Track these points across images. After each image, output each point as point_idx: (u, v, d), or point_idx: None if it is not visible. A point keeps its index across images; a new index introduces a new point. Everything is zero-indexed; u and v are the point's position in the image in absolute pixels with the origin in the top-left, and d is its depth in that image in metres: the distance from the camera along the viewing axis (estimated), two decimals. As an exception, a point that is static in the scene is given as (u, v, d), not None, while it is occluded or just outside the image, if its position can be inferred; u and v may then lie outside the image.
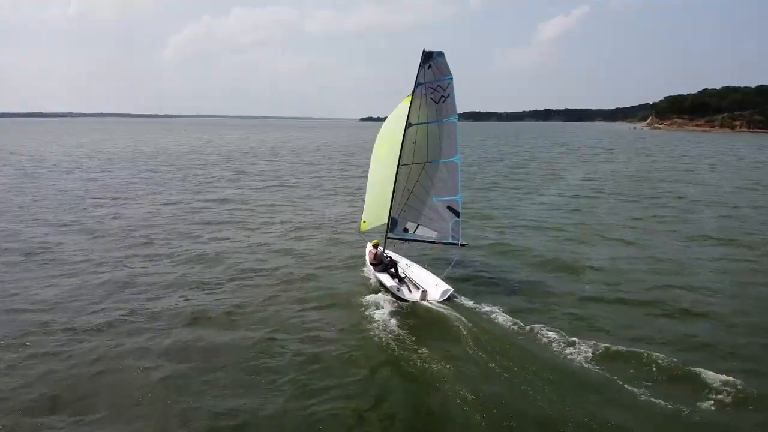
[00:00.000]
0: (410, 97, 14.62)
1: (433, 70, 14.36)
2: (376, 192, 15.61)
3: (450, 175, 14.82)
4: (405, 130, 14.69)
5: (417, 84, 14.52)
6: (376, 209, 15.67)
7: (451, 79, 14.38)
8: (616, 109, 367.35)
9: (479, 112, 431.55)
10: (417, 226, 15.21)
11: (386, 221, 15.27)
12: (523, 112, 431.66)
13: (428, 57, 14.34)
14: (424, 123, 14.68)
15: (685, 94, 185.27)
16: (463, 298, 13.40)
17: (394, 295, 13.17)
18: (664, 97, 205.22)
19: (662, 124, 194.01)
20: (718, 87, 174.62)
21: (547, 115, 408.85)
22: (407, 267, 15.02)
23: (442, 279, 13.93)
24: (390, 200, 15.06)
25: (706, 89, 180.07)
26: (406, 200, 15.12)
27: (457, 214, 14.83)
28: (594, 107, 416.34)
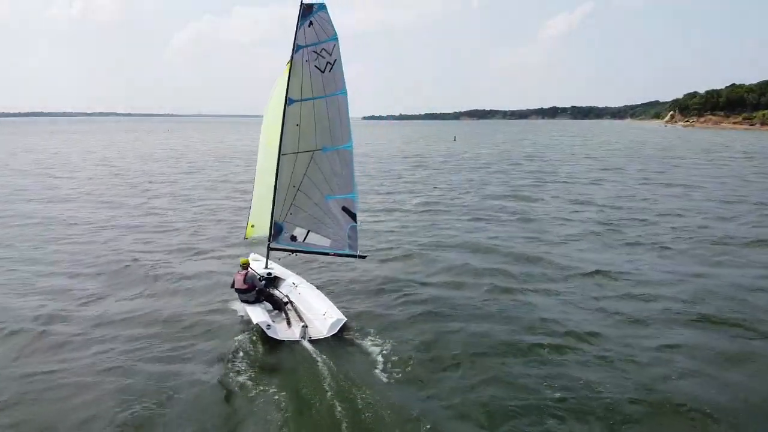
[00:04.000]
0: (289, 65, 12.13)
1: (315, 29, 11.75)
2: (263, 189, 12.99)
3: (344, 167, 12.18)
4: (285, 107, 12.15)
5: (296, 47, 11.99)
6: (267, 210, 13.10)
7: (337, 39, 11.79)
8: (625, 106, 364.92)
9: (483, 109, 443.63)
10: (307, 233, 12.54)
11: (270, 226, 12.65)
12: (529, 109, 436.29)
13: (308, 11, 11.75)
14: (310, 99, 12.08)
15: (719, 88, 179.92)
16: (361, 330, 10.98)
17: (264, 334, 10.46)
18: (686, 94, 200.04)
19: (689, 121, 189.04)
20: (723, 83, 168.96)
21: (553, 112, 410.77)
22: (294, 288, 12.40)
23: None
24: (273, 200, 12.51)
25: (734, 84, 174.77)
26: (292, 199, 12.50)
27: (353, 217, 12.20)
28: (600, 105, 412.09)
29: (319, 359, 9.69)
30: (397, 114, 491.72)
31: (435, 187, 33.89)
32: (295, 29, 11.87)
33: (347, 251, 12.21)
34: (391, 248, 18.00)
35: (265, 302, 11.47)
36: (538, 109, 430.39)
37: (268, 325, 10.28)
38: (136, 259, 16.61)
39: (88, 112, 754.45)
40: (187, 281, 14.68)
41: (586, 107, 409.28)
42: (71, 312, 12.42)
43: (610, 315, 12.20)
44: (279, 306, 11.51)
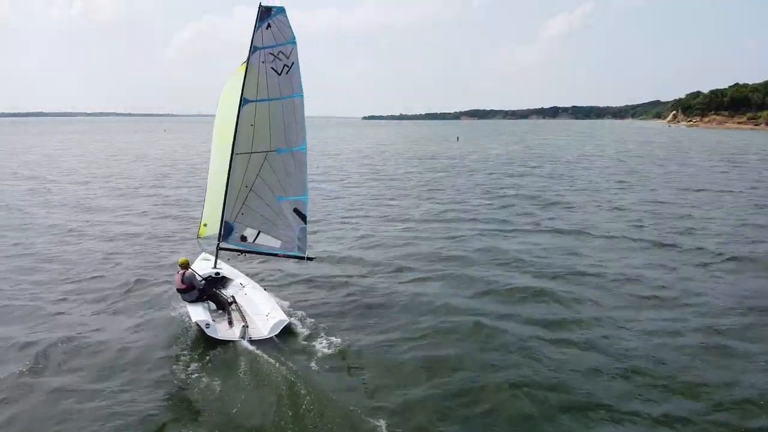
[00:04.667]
0: (245, 65, 12.33)
1: (273, 31, 11.96)
2: (217, 188, 13.20)
3: (297, 169, 12.41)
4: (240, 107, 12.35)
5: (253, 48, 12.19)
6: (220, 209, 13.26)
7: (295, 43, 12.02)
8: (626, 106, 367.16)
9: (483, 109, 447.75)
10: (258, 233, 12.75)
11: (221, 225, 12.85)
12: (529, 109, 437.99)
13: (267, 13, 11.98)
14: (265, 100, 12.29)
15: (723, 88, 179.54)
16: (306, 332, 11.17)
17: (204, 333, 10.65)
18: (688, 94, 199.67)
19: (693, 121, 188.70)
20: (721, 83, 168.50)
21: (554, 112, 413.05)
22: (241, 288, 12.61)
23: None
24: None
25: (738, 84, 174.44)
26: (244, 199, 12.70)
27: (304, 218, 12.42)
28: (601, 104, 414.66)
29: (257, 360, 9.90)
30: (397, 114, 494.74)
31: (441, 192, 32.09)
32: (252, 30, 12.10)
33: (296, 253, 12.45)
34: (379, 260, 16.99)
35: (209, 302, 11.66)
36: (539, 108, 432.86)
37: (207, 324, 10.47)
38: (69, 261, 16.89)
39: (88, 112, 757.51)
40: (133, 281, 14.93)
41: (587, 107, 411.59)
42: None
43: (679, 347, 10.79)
44: (223, 305, 11.71)
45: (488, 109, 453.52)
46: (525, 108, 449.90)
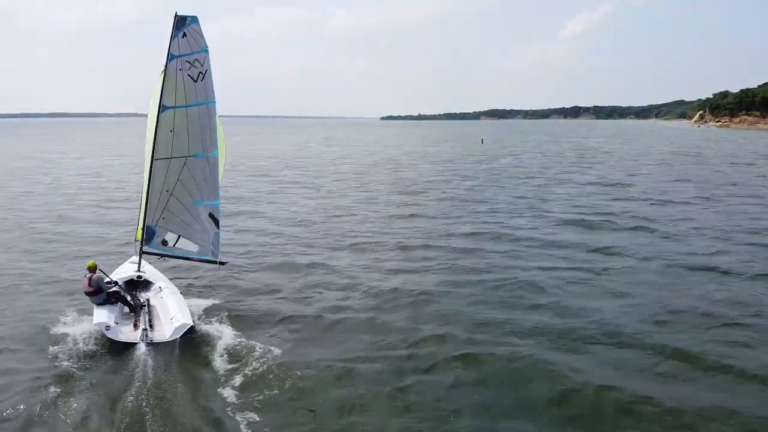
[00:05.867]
0: (163, 73, 12.87)
1: (189, 40, 12.45)
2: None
3: (212, 174, 12.91)
4: (158, 113, 12.91)
5: (170, 56, 12.71)
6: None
7: (207, 51, 12.52)
8: (649, 105, 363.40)
9: (504, 109, 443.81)
10: (178, 238, 13.28)
11: (143, 229, 13.45)
12: (550, 109, 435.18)
13: (182, 23, 12.45)
14: (183, 106, 12.80)
15: (753, 87, 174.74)
16: (212, 337, 11.46)
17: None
18: (716, 93, 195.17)
19: (722, 121, 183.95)
20: (744, 84, 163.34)
21: (575, 112, 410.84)
22: (159, 291, 13.08)
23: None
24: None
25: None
26: (165, 204, 13.23)
27: (217, 223, 12.91)
28: (623, 104, 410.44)
29: (152, 362, 10.29)
30: (415, 114, 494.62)
31: (480, 204, 28.73)
32: (169, 39, 12.64)
33: (210, 257, 12.94)
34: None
35: (119, 304, 12.18)
36: (560, 108, 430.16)
37: (107, 327, 10.94)
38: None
39: (110, 113, 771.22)
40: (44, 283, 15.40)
41: (609, 107, 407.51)
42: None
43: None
44: (133, 308, 12.22)
45: (508, 109, 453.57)
46: (545, 108, 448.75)
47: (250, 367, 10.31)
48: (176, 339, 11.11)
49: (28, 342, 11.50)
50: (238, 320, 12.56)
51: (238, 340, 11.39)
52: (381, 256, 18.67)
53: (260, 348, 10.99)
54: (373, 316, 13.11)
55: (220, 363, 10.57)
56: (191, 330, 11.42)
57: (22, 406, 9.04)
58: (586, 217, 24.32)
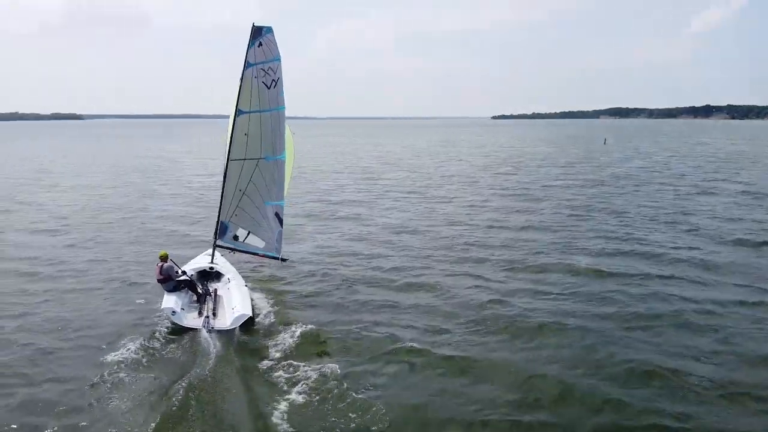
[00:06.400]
0: (241, 80, 13.88)
1: (264, 49, 13.35)
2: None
3: (279, 176, 13.78)
4: (235, 117, 13.96)
5: (247, 64, 13.70)
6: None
7: (280, 60, 13.30)
8: None
9: (625, 108, 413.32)
10: (248, 234, 14.30)
11: (217, 224, 14.65)
12: (678, 108, 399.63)
13: (258, 33, 13.39)
14: (257, 111, 13.74)
15: None
16: (271, 329, 12.14)
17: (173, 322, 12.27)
18: None
19: None
20: None
21: (707, 111, 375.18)
22: (227, 282, 14.13)
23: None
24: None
25: None
26: (238, 202, 14.32)
27: (281, 222, 13.71)
28: (761, 103, 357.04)
29: (212, 348, 11.17)
30: (529, 113, 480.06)
31: (610, 215, 25.69)
32: (246, 48, 13.64)
33: (274, 254, 13.79)
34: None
35: (189, 292, 13.38)
36: (689, 107, 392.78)
37: (173, 312, 12.10)
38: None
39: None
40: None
41: (745, 106, 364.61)
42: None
43: None
44: (200, 296, 13.35)
45: (631, 107, 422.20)
46: (672, 106, 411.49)
47: (302, 371, 10.38)
48: (236, 328, 11.94)
49: (108, 322, 13.02)
50: (304, 321, 12.70)
51: (299, 340, 11.67)
52: (485, 272, 16.75)
53: (316, 356, 11.12)
54: (464, 347, 11.65)
55: (273, 358, 11.01)
56: (251, 321, 12.20)
57: (85, 374, 10.32)
58: (745, 236, 20.81)
